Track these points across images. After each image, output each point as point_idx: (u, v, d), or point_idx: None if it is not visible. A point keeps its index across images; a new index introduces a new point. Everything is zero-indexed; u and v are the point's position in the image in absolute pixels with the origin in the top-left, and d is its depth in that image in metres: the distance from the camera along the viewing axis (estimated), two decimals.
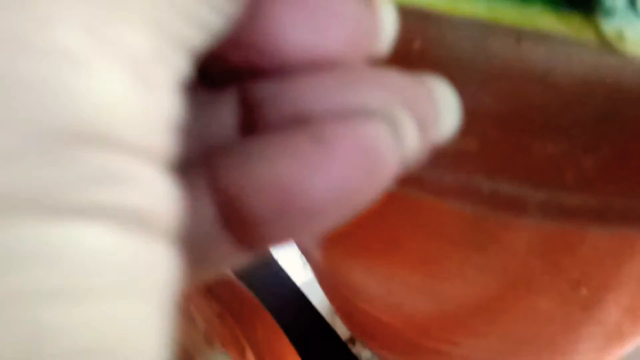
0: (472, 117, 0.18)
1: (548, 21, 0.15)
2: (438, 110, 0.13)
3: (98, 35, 0.08)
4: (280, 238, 0.12)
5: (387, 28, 0.13)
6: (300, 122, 0.12)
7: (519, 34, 0.17)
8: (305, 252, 0.38)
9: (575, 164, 0.18)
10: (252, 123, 0.13)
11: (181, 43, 0.09)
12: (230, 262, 0.13)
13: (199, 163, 0.12)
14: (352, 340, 0.57)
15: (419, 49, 0.18)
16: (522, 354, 0.35)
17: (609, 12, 0.15)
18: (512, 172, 0.19)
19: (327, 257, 0.35)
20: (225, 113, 0.13)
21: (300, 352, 0.34)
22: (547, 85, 0.18)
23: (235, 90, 0.13)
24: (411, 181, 0.20)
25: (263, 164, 0.12)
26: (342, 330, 0.47)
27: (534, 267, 0.28)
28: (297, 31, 0.12)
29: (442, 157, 0.19)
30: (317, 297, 0.47)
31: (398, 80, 0.13)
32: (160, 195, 0.09)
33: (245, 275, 0.46)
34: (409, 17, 0.18)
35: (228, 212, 0.12)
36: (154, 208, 0.09)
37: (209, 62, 0.12)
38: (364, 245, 0.31)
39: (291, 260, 0.56)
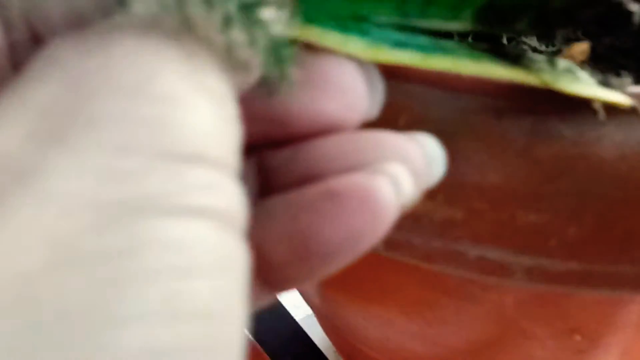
0: (457, 188, 0.19)
1: (499, 72, 0.17)
2: (428, 160, 0.15)
3: (192, 82, 0.11)
4: (299, 279, 0.14)
5: (377, 93, 0.16)
6: (312, 181, 0.14)
7: (500, 111, 0.18)
8: (304, 295, 0.39)
9: (558, 232, 0.19)
10: (268, 187, 0.15)
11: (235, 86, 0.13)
12: (258, 303, 0.15)
13: None
14: None
15: (404, 124, 0.19)
16: None
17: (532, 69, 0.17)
18: (498, 239, 0.19)
19: (326, 301, 0.35)
20: (247, 179, 0.15)
21: None
22: (528, 159, 0.18)
23: (253, 159, 0.16)
24: (400, 246, 0.21)
25: (284, 218, 0.14)
26: None
27: (528, 316, 0.28)
28: (302, 103, 0.14)
29: (429, 224, 0.20)
30: (315, 331, 0.47)
31: (394, 138, 0.15)
32: (238, 201, 0.12)
33: None
34: (395, 95, 0.19)
35: (253, 260, 0.14)
36: (235, 210, 0.11)
37: None
38: (361, 293, 0.32)
39: (290, 295, 0.56)
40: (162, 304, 0.10)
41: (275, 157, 0.15)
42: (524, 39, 0.20)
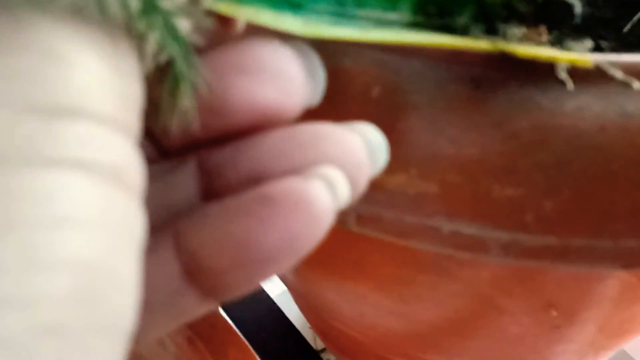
0: (431, 161, 0.18)
1: (447, 40, 0.17)
2: (370, 150, 0.15)
3: (81, 41, 0.11)
4: (238, 286, 0.14)
5: (318, 80, 0.15)
6: (253, 183, 0.14)
7: (476, 82, 0.17)
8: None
9: (535, 206, 0.18)
10: (212, 187, 0.15)
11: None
12: (196, 312, 0.15)
13: (165, 227, 0.14)
14: (324, 350, 0.57)
15: (377, 95, 0.18)
16: None
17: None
18: (473, 214, 0.19)
19: (300, 278, 0.35)
20: (187, 181, 0.15)
21: None
22: (505, 132, 0.18)
23: (194, 159, 0.15)
24: (371, 222, 0.20)
25: (220, 224, 0.14)
26: (315, 340, 0.47)
27: (503, 291, 0.28)
28: (238, 90, 0.14)
29: (402, 199, 0.19)
30: (290, 308, 0.47)
31: (335, 131, 0.15)
32: (130, 160, 0.11)
33: None
34: (368, 65, 0.18)
35: (192, 268, 0.14)
36: (126, 168, 0.11)
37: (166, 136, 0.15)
38: (335, 269, 0.31)
39: None
40: (22, 252, 0.10)
41: (216, 157, 0.15)
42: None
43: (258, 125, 0.15)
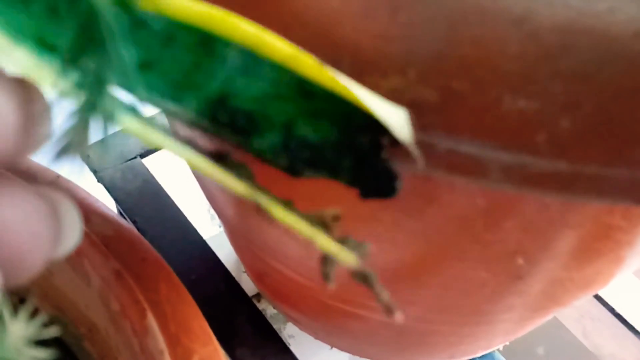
0: (434, 62, 0.16)
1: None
2: (59, 227, 0.14)
3: None
4: None
5: (41, 127, 0.13)
6: None
7: None
8: (216, 206, 0.35)
9: (549, 124, 0.16)
10: None
11: None
12: None
13: None
14: (257, 296, 0.54)
15: None
16: (445, 322, 0.33)
17: None
18: (476, 129, 0.16)
19: (241, 213, 0.32)
20: None
21: (204, 308, 0.31)
22: (524, 31, 0.15)
23: None
24: None
25: None
26: (248, 286, 0.44)
27: (470, 234, 0.25)
28: None
29: None
30: (223, 252, 0.44)
31: (10, 190, 0.13)
32: None
33: (148, 229, 0.42)
34: None
35: None
36: None
37: None
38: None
39: (198, 214, 0.52)
40: None
41: None
42: None
43: None
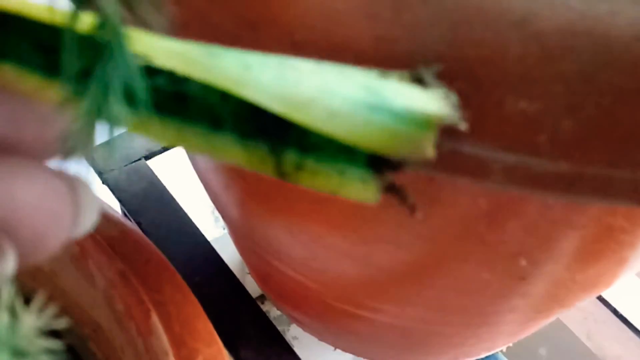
0: (435, 62, 0.16)
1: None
2: (78, 206, 0.14)
3: None
4: None
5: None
6: None
7: None
8: (221, 208, 0.35)
9: (551, 125, 0.16)
10: None
11: None
12: None
13: None
14: (261, 297, 0.54)
15: None
16: (448, 323, 0.33)
17: None
18: (478, 129, 0.16)
19: (246, 214, 0.32)
20: None
21: (208, 309, 0.31)
22: (526, 33, 0.15)
23: None
24: None
25: None
26: (252, 287, 0.44)
27: (473, 235, 0.25)
28: None
29: None
30: (227, 253, 0.44)
31: (33, 171, 0.13)
32: None
33: (153, 230, 0.42)
34: None
35: None
36: None
37: None
38: (288, 204, 0.28)
39: (202, 215, 0.52)
40: None
41: None
42: None
43: None
